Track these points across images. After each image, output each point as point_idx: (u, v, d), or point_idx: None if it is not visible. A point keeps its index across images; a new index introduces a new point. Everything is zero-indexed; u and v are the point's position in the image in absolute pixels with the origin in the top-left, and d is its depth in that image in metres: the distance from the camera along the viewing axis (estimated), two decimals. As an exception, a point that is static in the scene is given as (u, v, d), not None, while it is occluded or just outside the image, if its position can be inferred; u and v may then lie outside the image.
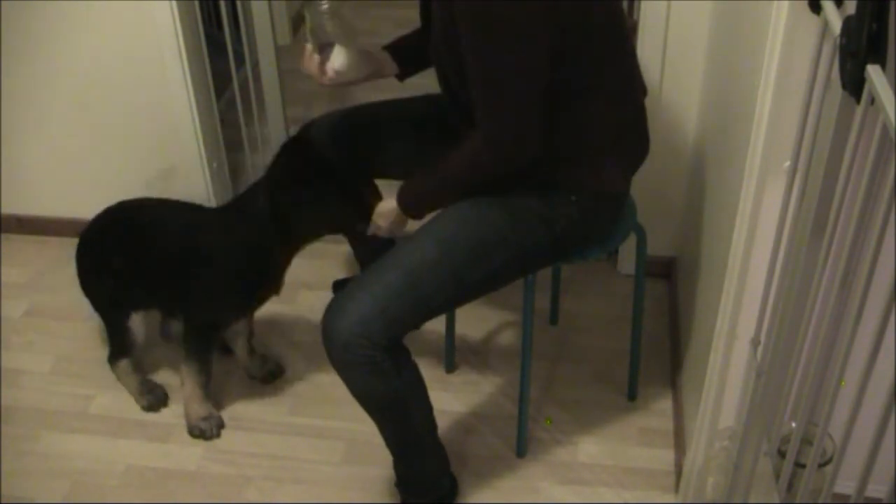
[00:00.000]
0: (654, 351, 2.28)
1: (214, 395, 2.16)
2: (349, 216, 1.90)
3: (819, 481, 1.19)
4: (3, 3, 2.35)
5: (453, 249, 1.66)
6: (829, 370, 1.14)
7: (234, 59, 2.62)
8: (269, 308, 2.36)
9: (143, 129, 2.52)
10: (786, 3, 1.22)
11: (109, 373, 2.20)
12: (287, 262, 1.99)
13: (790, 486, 1.27)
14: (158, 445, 2.09)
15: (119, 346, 2.15)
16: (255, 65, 2.78)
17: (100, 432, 2.13)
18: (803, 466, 1.24)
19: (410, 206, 1.75)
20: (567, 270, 2.47)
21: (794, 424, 1.34)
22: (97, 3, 2.31)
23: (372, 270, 1.66)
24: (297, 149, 1.93)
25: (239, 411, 2.17)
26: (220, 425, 2.11)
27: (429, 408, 1.78)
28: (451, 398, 2.17)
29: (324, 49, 1.81)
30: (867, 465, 0.94)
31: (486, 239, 1.67)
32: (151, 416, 2.16)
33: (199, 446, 2.08)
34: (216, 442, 2.09)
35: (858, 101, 0.95)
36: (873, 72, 0.90)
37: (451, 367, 2.26)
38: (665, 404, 2.15)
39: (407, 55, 1.92)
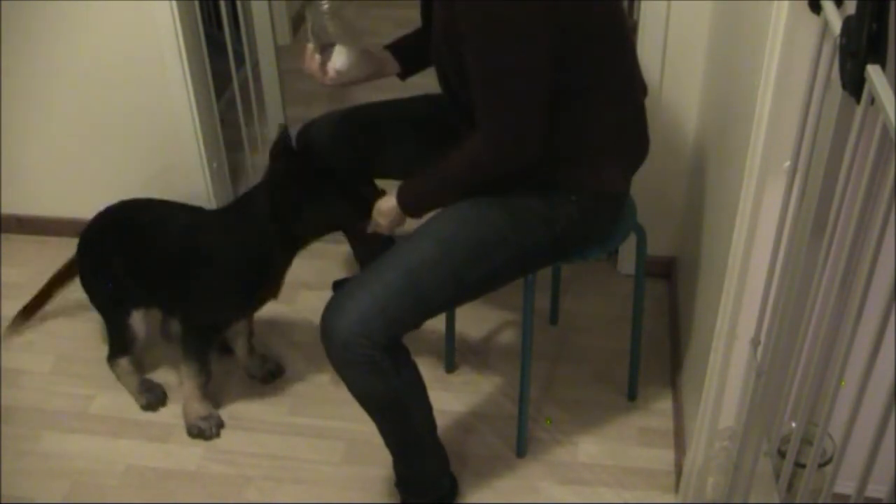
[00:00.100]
0: (654, 351, 2.28)
1: (214, 395, 2.16)
2: (349, 216, 1.91)
3: (819, 481, 1.19)
4: (3, 3, 2.35)
5: (453, 249, 1.66)
6: (829, 370, 1.14)
7: (234, 59, 2.63)
8: (269, 308, 2.36)
9: (143, 129, 2.52)
10: (786, 3, 1.22)
11: (109, 373, 2.20)
12: (287, 263, 1.99)
13: (790, 486, 1.27)
14: (158, 445, 2.09)
15: (119, 344, 2.15)
16: (255, 65, 2.78)
17: (100, 432, 2.13)
18: (803, 466, 1.24)
19: (410, 205, 1.75)
20: (567, 270, 2.47)
21: (794, 424, 1.34)
22: (97, 3, 2.31)
23: (372, 270, 1.66)
24: (295, 151, 1.93)
25: (239, 411, 2.17)
26: (220, 425, 2.11)
27: (428, 408, 1.78)
28: (451, 398, 2.17)
29: (325, 49, 1.81)
30: (867, 465, 0.94)
31: (486, 239, 1.67)
32: (151, 416, 2.16)
33: (199, 446, 2.08)
34: (216, 442, 2.09)
35: (858, 101, 0.95)
36: (873, 72, 0.90)
37: (451, 367, 2.26)
38: (665, 404, 2.15)
39: (408, 54, 1.92)
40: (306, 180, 1.88)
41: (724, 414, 1.62)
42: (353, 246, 2.35)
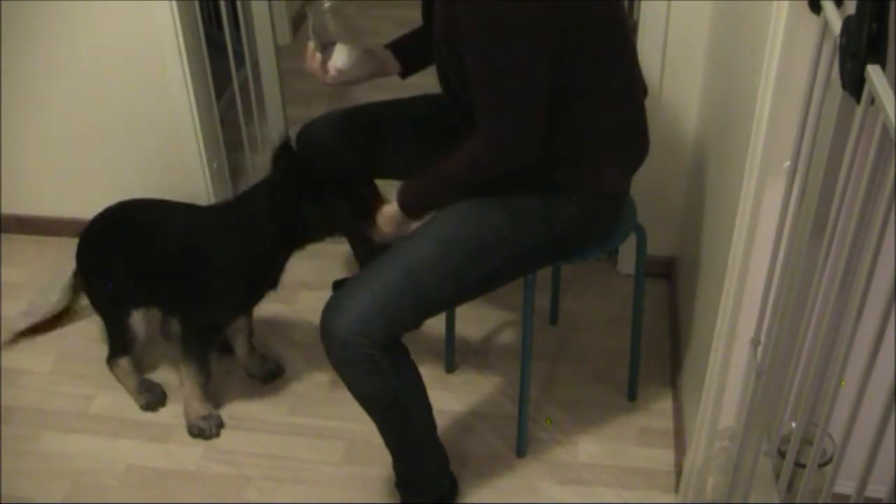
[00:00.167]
0: (654, 351, 2.28)
1: (214, 395, 2.16)
2: (351, 218, 1.90)
3: (819, 481, 1.19)
4: (3, 3, 2.35)
5: (453, 249, 1.66)
6: (829, 370, 1.14)
7: (234, 59, 2.63)
8: (269, 308, 2.37)
9: (143, 129, 2.52)
10: (786, 3, 1.22)
11: (109, 373, 2.20)
12: (286, 260, 2.00)
13: (790, 486, 1.27)
14: (158, 445, 2.09)
15: (118, 345, 2.15)
16: (255, 65, 2.78)
17: (100, 432, 2.13)
18: (803, 466, 1.24)
19: (410, 206, 1.74)
20: (567, 270, 2.47)
21: (794, 424, 1.34)
22: (97, 3, 2.31)
23: (372, 269, 1.66)
24: (295, 153, 1.93)
25: (239, 411, 2.17)
26: (220, 425, 2.11)
27: (428, 407, 1.78)
28: (451, 398, 2.17)
29: (326, 48, 1.81)
30: (867, 465, 0.94)
31: (486, 238, 1.67)
32: (151, 416, 2.16)
33: (199, 446, 2.08)
34: (216, 442, 2.09)
35: (858, 101, 0.95)
36: (873, 72, 0.90)
37: (451, 367, 2.26)
38: (665, 404, 2.15)
39: (409, 54, 1.92)
40: (306, 181, 1.88)
41: (724, 414, 1.62)
42: (353, 246, 2.35)
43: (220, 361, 2.23)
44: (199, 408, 2.09)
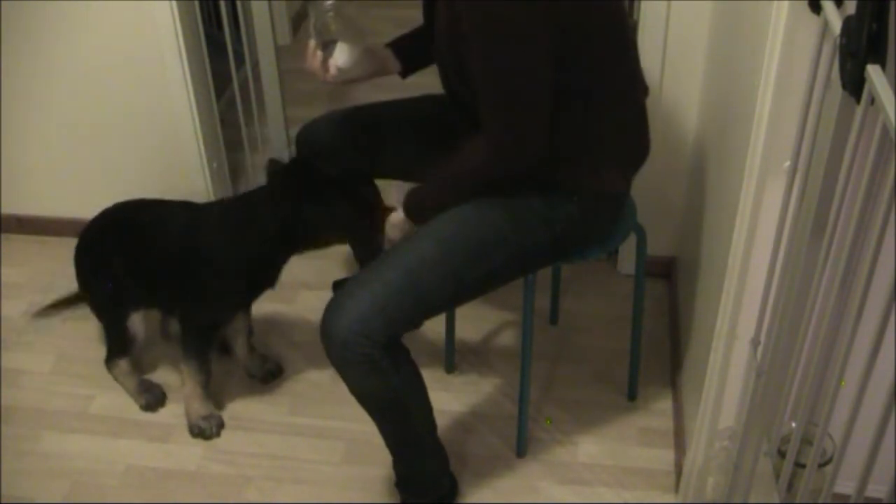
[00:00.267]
0: (654, 351, 2.28)
1: (214, 395, 2.16)
2: (351, 218, 1.91)
3: (819, 481, 1.19)
4: (3, 3, 2.35)
5: (453, 249, 1.66)
6: (829, 370, 1.14)
7: (234, 59, 2.63)
8: (269, 308, 2.37)
9: (143, 129, 2.52)
10: (786, 3, 1.22)
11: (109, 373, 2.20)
12: (286, 261, 2.00)
13: (790, 486, 1.27)
14: (158, 445, 2.09)
15: (117, 346, 2.15)
16: (255, 65, 2.78)
17: (100, 432, 2.13)
18: (803, 466, 1.24)
19: (415, 212, 1.74)
20: (567, 270, 2.47)
21: (794, 424, 1.34)
22: (97, 3, 2.31)
23: (372, 269, 1.66)
24: (297, 160, 1.94)
25: (239, 411, 2.17)
26: (221, 425, 2.11)
27: (428, 407, 1.78)
28: (451, 398, 2.17)
29: (327, 46, 1.80)
30: (867, 465, 0.94)
31: (486, 238, 1.67)
32: (151, 416, 2.16)
33: (199, 446, 2.08)
34: (216, 442, 2.09)
35: (858, 101, 0.95)
36: (873, 72, 0.90)
37: (451, 368, 2.26)
38: (665, 404, 2.15)
39: (409, 53, 1.92)
40: (307, 181, 1.88)
41: (724, 414, 1.62)
42: (353, 246, 2.35)
43: (221, 361, 2.23)
44: (200, 408, 2.09)
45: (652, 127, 1.82)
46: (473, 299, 1.76)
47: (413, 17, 1.94)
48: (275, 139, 2.88)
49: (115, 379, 2.20)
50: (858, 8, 0.93)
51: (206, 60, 2.48)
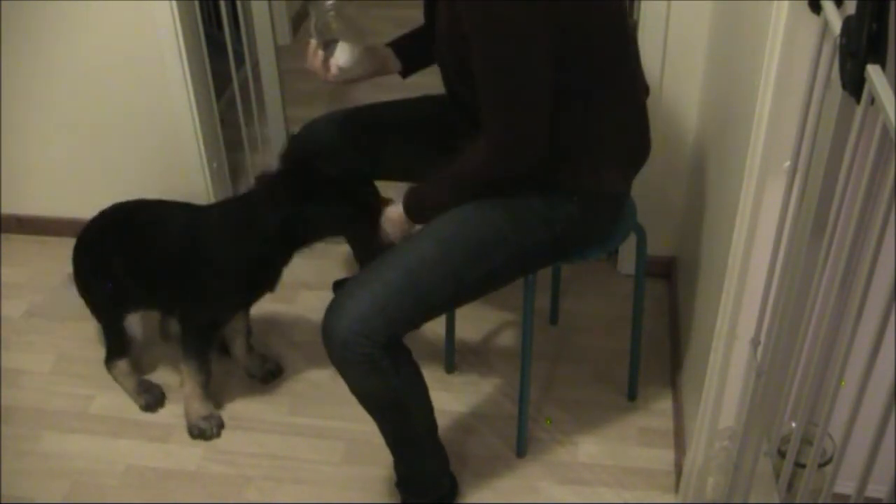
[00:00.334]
0: (654, 351, 2.28)
1: (214, 395, 2.16)
2: (351, 218, 1.91)
3: (819, 481, 1.19)
4: (3, 3, 2.35)
5: (453, 249, 1.66)
6: (829, 370, 1.14)
7: (234, 59, 2.62)
8: (269, 308, 2.37)
9: (143, 129, 2.52)
10: (786, 3, 1.22)
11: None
12: (286, 261, 2.00)
13: (790, 486, 1.27)
14: (158, 445, 2.09)
15: (116, 347, 2.16)
16: (255, 65, 2.78)
17: (100, 432, 2.13)
18: (803, 466, 1.24)
19: (416, 212, 1.75)
20: (567, 270, 2.47)
21: (794, 424, 1.34)
22: (97, 3, 2.31)
23: (372, 269, 1.66)
24: (296, 161, 1.94)
25: (239, 411, 2.17)
26: (221, 425, 2.12)
27: (429, 407, 1.78)
28: (451, 398, 2.17)
29: (328, 45, 1.80)
30: (867, 465, 0.94)
31: (486, 238, 1.67)
32: (151, 417, 2.16)
33: (199, 446, 2.08)
34: (216, 442, 2.09)
35: (858, 101, 0.95)
36: (873, 72, 0.90)
37: (451, 368, 2.26)
38: (665, 404, 2.15)
39: (410, 53, 1.92)
40: (307, 181, 1.88)
41: (724, 414, 1.62)
42: (353, 246, 2.35)
43: (220, 361, 2.23)
44: (200, 408, 2.09)
45: (652, 127, 1.82)
46: (474, 300, 1.76)
47: (413, 17, 1.94)
48: (275, 139, 2.88)
49: (115, 379, 2.20)
50: (858, 8, 0.93)
51: (206, 60, 2.48)
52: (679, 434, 2.03)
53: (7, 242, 2.75)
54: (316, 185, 1.88)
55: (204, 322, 2.06)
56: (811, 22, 1.16)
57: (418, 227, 1.78)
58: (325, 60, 1.81)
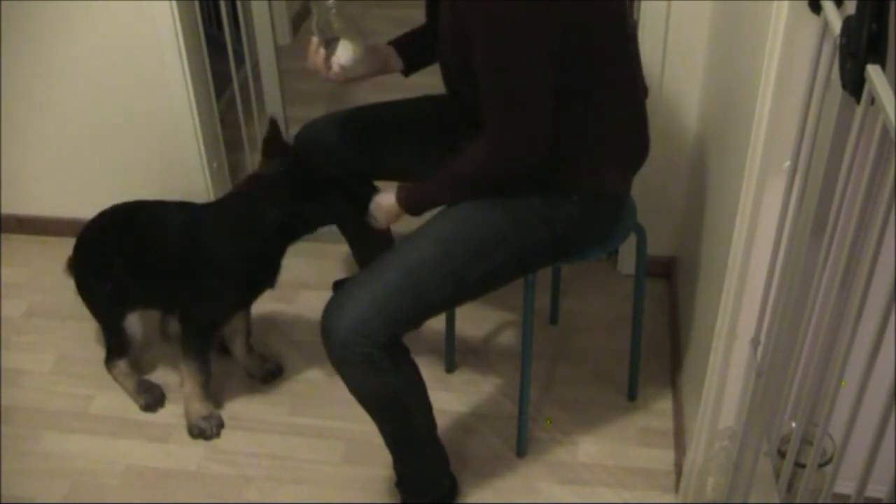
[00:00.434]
0: (654, 351, 2.28)
1: (214, 395, 2.16)
2: (351, 218, 1.91)
3: (819, 481, 1.19)
4: (3, 3, 2.35)
5: (453, 249, 1.66)
6: (829, 370, 1.14)
7: (234, 59, 2.62)
8: (269, 307, 2.37)
9: (143, 129, 2.52)
10: (786, 3, 1.22)
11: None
12: (282, 255, 2.00)
13: (790, 486, 1.27)
14: (158, 445, 2.09)
15: (116, 347, 2.16)
16: (255, 65, 2.78)
17: (100, 432, 2.13)
18: (803, 466, 1.24)
19: (412, 207, 1.75)
20: (567, 270, 2.47)
21: (794, 424, 1.34)
22: (97, 3, 2.31)
23: (372, 269, 1.67)
24: (289, 147, 1.94)
25: (239, 411, 2.17)
26: (220, 425, 2.11)
27: (428, 407, 1.78)
28: (451, 398, 2.17)
29: (329, 44, 1.80)
30: (867, 465, 0.94)
31: (486, 238, 1.67)
32: (151, 416, 2.16)
33: (199, 446, 2.08)
34: (216, 442, 2.09)
35: (858, 101, 0.95)
36: (873, 72, 0.90)
37: (451, 367, 2.26)
38: (665, 404, 2.15)
39: (412, 51, 1.92)
40: (305, 180, 1.88)
41: (724, 414, 1.62)
42: (353, 247, 2.35)
43: (220, 361, 2.23)
44: (200, 408, 2.09)
45: (652, 127, 1.82)
46: (474, 299, 1.76)
47: (413, 17, 1.94)
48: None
49: (115, 379, 2.20)
50: (858, 8, 0.93)
51: (206, 60, 2.48)
52: (679, 434, 2.03)
53: (7, 242, 2.75)
54: (315, 183, 1.88)
55: (204, 321, 2.06)
56: (811, 22, 1.16)
57: (409, 219, 1.78)
58: (327, 59, 1.81)
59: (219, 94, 2.61)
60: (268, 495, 1.97)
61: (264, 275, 2.01)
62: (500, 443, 2.06)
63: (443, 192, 1.72)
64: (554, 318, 2.40)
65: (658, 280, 2.49)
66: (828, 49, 1.09)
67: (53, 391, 2.24)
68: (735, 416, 1.58)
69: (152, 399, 2.18)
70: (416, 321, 1.73)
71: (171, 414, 2.17)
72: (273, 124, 1.94)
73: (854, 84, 0.95)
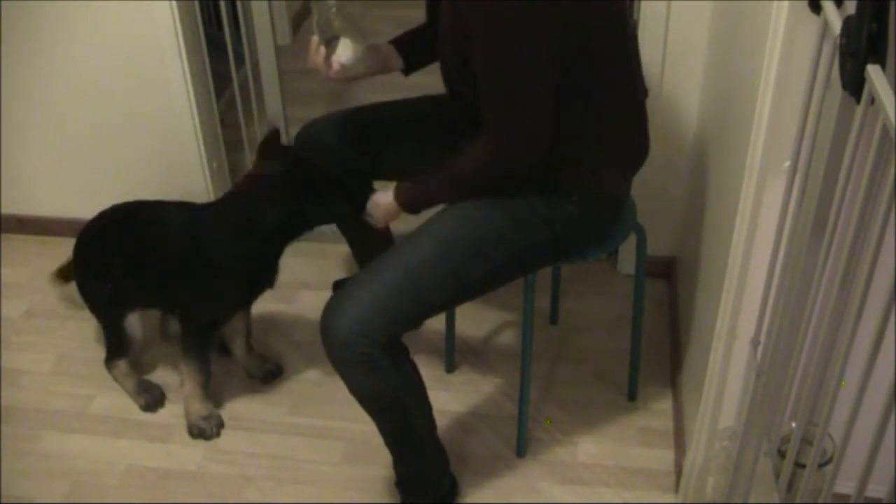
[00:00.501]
0: (654, 351, 2.28)
1: (214, 395, 2.16)
2: (349, 217, 1.91)
3: (819, 481, 1.19)
4: (3, 3, 2.35)
5: (453, 248, 1.66)
6: (829, 370, 1.14)
7: (234, 59, 2.63)
8: (269, 307, 2.37)
9: (143, 129, 2.52)
10: (786, 3, 1.22)
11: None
12: (280, 253, 2.00)
13: (790, 486, 1.27)
14: (158, 445, 2.09)
15: (116, 346, 2.15)
16: (255, 65, 2.78)
17: (100, 432, 2.13)
18: (803, 466, 1.24)
19: (410, 205, 1.75)
20: (567, 270, 2.47)
21: (794, 424, 1.34)
22: (97, 3, 2.31)
23: (371, 269, 1.67)
24: (287, 148, 1.94)
25: (239, 411, 2.17)
26: (220, 425, 2.11)
27: (428, 407, 1.78)
28: (451, 398, 2.17)
29: (330, 43, 1.80)
30: (867, 465, 0.94)
31: (485, 238, 1.67)
32: (151, 416, 2.16)
33: (199, 446, 2.08)
34: (216, 442, 2.09)
35: (858, 101, 0.95)
36: (873, 72, 0.90)
37: (451, 367, 2.26)
38: (665, 404, 2.15)
39: (412, 50, 1.92)
40: (305, 179, 1.88)
41: (724, 414, 1.62)
42: (353, 246, 2.35)
43: (221, 361, 2.23)
44: (200, 407, 2.09)
45: (652, 127, 1.82)
46: (473, 299, 1.76)
47: (413, 17, 1.94)
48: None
49: (115, 379, 2.20)
50: (858, 8, 0.93)
51: (206, 60, 2.48)
52: (679, 434, 2.03)
53: (7, 242, 2.75)
54: (314, 183, 1.88)
55: (204, 321, 2.06)
56: (811, 22, 1.16)
57: (408, 218, 1.78)
58: (327, 57, 1.81)
59: (219, 94, 2.61)
60: (268, 495, 1.97)
61: (264, 275, 2.02)
62: (500, 443, 2.06)
63: (442, 192, 1.72)
64: (554, 318, 2.40)
65: (658, 280, 2.49)
66: (828, 49, 1.09)
67: (53, 391, 2.24)
68: (735, 416, 1.58)
69: (152, 399, 2.18)
70: (415, 321, 1.73)
71: (171, 414, 2.17)
72: (273, 131, 1.94)
73: (854, 84, 0.95)
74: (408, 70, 1.94)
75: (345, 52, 1.79)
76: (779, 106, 1.29)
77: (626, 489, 1.95)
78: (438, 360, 2.25)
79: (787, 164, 1.27)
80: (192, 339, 2.06)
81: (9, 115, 2.55)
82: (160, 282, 2.06)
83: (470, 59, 1.57)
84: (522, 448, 2.03)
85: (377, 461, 1.97)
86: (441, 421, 1.84)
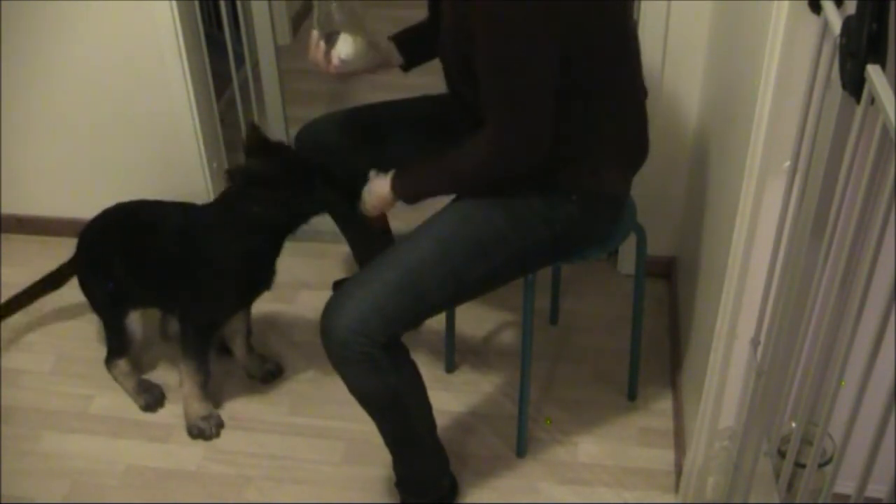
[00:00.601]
0: (654, 351, 2.28)
1: (214, 395, 2.16)
2: (334, 203, 1.91)
3: (819, 481, 1.19)
4: (2, 3, 2.35)
5: (453, 248, 1.66)
6: (829, 370, 1.14)
7: (234, 59, 2.62)
8: (269, 307, 2.37)
9: (143, 129, 2.52)
10: (786, 3, 1.22)
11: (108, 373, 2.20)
12: (278, 250, 2.00)
13: (790, 486, 1.27)
14: (158, 445, 2.09)
15: (116, 346, 2.15)
16: (255, 65, 2.78)
17: (100, 432, 2.13)
18: (803, 466, 1.24)
19: (408, 197, 1.75)
20: (567, 270, 2.47)
21: (794, 424, 1.34)
22: (97, 3, 2.31)
23: (371, 268, 1.67)
24: (274, 143, 1.95)
25: (238, 411, 2.17)
26: (220, 425, 2.12)
27: (428, 407, 1.78)
28: (451, 398, 2.17)
29: (330, 38, 1.80)
30: (867, 465, 0.94)
31: (485, 238, 1.67)
32: (151, 416, 2.16)
33: (199, 446, 2.08)
34: (216, 442, 2.09)
35: (858, 101, 0.95)
36: (873, 72, 0.90)
37: (451, 367, 2.26)
38: (665, 404, 2.15)
39: (413, 46, 1.91)
40: (298, 174, 1.88)
41: (724, 414, 1.62)
42: (353, 247, 2.35)
43: (220, 361, 2.23)
44: (199, 408, 2.09)
45: (652, 126, 1.82)
46: (473, 299, 1.76)
47: (413, 17, 1.94)
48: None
49: (115, 379, 2.20)
50: (858, 8, 0.93)
51: (206, 60, 2.48)
52: (679, 434, 2.03)
53: (7, 242, 2.74)
54: (302, 172, 1.88)
55: (203, 322, 2.06)
56: (811, 22, 1.16)
57: (406, 217, 1.78)
58: (327, 53, 1.81)
59: (219, 94, 2.61)
60: (268, 495, 1.97)
61: (262, 275, 2.01)
62: (500, 443, 2.06)
63: (441, 187, 1.73)
64: (554, 318, 2.40)
65: (658, 280, 2.49)
66: (828, 49, 1.09)
67: (53, 391, 2.24)
68: (735, 416, 1.58)
69: (152, 399, 2.18)
70: (415, 321, 1.73)
71: (171, 414, 2.17)
72: (252, 128, 1.94)
73: (854, 84, 0.95)
74: (408, 66, 1.94)
75: (345, 47, 1.79)
76: (779, 106, 1.29)
77: (626, 489, 1.95)
78: (438, 360, 2.25)
79: (787, 164, 1.27)
80: (192, 339, 2.06)
81: (9, 115, 2.55)
82: (160, 282, 2.06)
83: (471, 58, 1.57)
84: (522, 448, 2.03)
85: (377, 461, 1.97)
86: (441, 421, 1.84)
